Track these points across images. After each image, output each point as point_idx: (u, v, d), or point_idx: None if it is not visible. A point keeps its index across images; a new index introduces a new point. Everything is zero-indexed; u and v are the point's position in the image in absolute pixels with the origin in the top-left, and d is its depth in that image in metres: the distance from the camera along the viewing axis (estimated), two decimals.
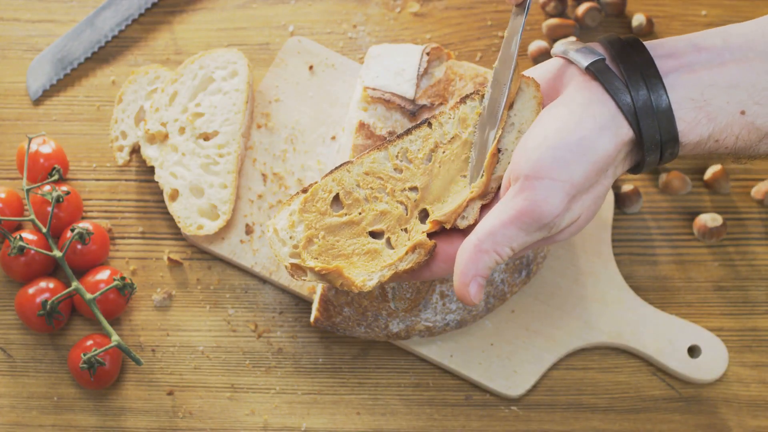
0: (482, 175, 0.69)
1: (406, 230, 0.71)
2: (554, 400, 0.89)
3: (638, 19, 0.99)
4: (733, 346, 0.91)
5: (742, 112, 0.65)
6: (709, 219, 0.93)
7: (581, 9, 0.99)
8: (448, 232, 0.70)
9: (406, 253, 0.69)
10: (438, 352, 0.89)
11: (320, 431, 0.88)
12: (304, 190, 0.72)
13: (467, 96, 0.72)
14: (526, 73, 0.71)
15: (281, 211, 0.72)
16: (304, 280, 0.71)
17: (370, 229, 0.71)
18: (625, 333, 0.89)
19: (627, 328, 0.89)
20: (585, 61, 0.66)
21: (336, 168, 0.72)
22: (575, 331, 0.89)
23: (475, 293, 0.65)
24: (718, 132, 0.65)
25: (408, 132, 0.72)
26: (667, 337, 0.89)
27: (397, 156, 0.72)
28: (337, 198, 0.72)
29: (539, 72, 0.71)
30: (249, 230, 0.92)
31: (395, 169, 0.72)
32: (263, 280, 0.92)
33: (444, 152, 0.72)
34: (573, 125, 0.64)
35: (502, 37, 1.00)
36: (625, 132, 0.65)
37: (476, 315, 0.87)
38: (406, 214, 0.71)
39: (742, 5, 1.01)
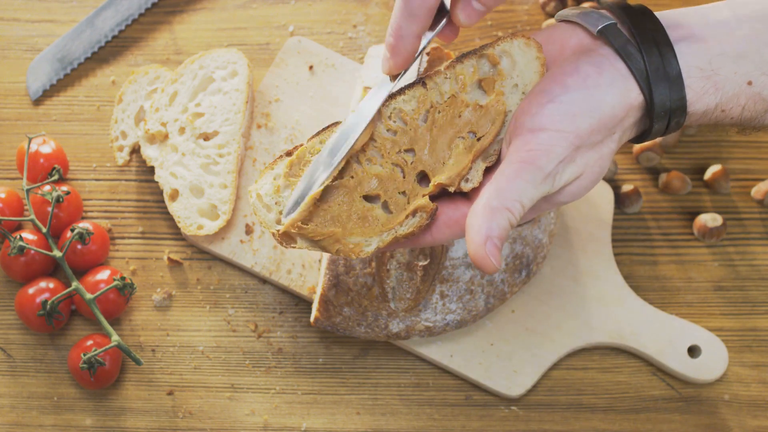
0: (478, 138, 0.67)
1: (404, 194, 0.68)
2: (554, 400, 0.89)
3: None
4: (733, 346, 0.91)
5: (749, 83, 0.65)
6: (709, 219, 0.93)
7: None
8: (451, 195, 0.68)
9: (407, 217, 0.66)
10: (438, 352, 0.89)
11: (320, 431, 0.88)
12: (288, 153, 0.68)
13: (464, 55, 0.69)
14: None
15: (264, 175, 0.68)
16: (294, 247, 0.67)
17: (364, 193, 0.68)
18: (625, 333, 0.89)
19: (627, 328, 0.89)
20: (596, 25, 0.66)
21: (323, 129, 0.69)
22: (575, 331, 0.89)
23: (494, 256, 0.62)
24: (725, 102, 0.65)
25: (401, 92, 0.69)
26: (667, 337, 0.89)
27: (390, 117, 0.69)
28: None
29: (544, 35, 0.70)
30: (249, 230, 0.92)
31: (388, 130, 0.68)
32: (263, 280, 0.92)
33: (440, 112, 0.69)
34: (580, 82, 0.64)
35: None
36: (635, 96, 0.65)
37: (476, 315, 0.87)
38: (404, 177, 0.68)
39: None
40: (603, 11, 0.68)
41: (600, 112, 0.64)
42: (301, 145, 0.68)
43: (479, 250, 0.62)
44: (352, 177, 0.68)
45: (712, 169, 0.95)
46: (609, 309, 0.90)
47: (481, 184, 0.68)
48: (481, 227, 0.62)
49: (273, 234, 0.67)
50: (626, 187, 0.94)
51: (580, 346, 0.89)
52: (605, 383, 0.90)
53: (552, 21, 0.99)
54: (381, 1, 1.01)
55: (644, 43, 0.65)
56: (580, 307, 0.90)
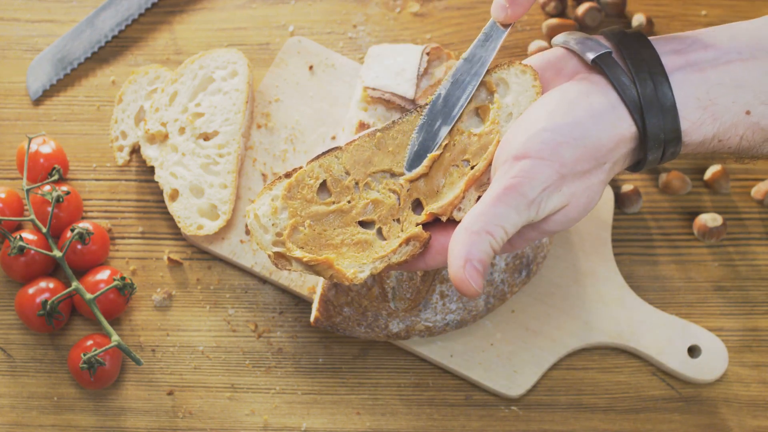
0: (468, 165, 0.67)
1: (398, 221, 0.68)
2: (554, 400, 0.89)
3: (638, 19, 0.99)
4: (733, 346, 0.91)
5: (748, 113, 0.64)
6: (709, 219, 0.93)
7: (581, 9, 0.99)
8: (444, 223, 0.68)
9: (400, 245, 0.67)
10: (438, 352, 0.89)
11: (320, 431, 0.88)
12: (287, 175, 0.69)
13: None
14: (526, 61, 0.69)
15: (262, 195, 0.69)
16: (288, 269, 0.68)
17: (360, 218, 0.69)
18: (625, 333, 0.89)
19: (627, 328, 0.89)
20: (591, 54, 0.65)
21: (323, 153, 0.69)
22: (575, 331, 0.89)
23: (474, 279, 0.62)
24: (723, 132, 0.64)
25: (399, 121, 0.70)
26: (667, 337, 0.89)
27: (389, 144, 0.69)
28: (324, 185, 0.69)
29: (538, 60, 0.69)
30: (249, 230, 0.92)
31: (388, 155, 0.69)
32: (263, 280, 0.92)
33: (438, 142, 0.69)
34: (567, 109, 0.63)
35: None
36: (626, 127, 0.64)
37: (476, 315, 0.87)
38: (399, 204, 0.68)
39: (742, 5, 1.01)
40: (599, 38, 0.67)
41: (586, 141, 0.63)
42: (300, 168, 0.69)
43: (459, 272, 0.62)
44: (349, 201, 0.69)
45: (712, 169, 0.95)
46: (609, 309, 0.90)
47: None
48: (461, 250, 0.62)
49: (269, 256, 0.68)
50: (626, 187, 0.94)
51: (580, 346, 0.89)
52: (605, 383, 0.90)
53: (552, 21, 0.99)
54: (381, 1, 1.01)
55: (638, 73, 0.64)
56: (580, 307, 0.90)
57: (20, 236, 0.88)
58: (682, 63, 0.65)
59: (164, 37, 1.00)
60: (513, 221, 0.63)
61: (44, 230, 0.88)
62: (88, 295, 0.86)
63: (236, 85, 0.93)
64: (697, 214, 0.94)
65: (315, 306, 0.87)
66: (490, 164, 0.68)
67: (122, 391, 0.89)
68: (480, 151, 0.68)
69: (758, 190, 0.94)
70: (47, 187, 0.91)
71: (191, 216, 0.90)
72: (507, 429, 0.88)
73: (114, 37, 1.00)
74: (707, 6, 1.01)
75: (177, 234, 0.94)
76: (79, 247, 0.89)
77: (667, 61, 0.65)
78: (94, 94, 0.99)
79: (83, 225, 0.89)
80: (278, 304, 0.92)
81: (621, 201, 0.94)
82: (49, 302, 0.86)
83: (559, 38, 0.70)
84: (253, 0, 1.02)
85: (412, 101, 0.84)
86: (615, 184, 0.95)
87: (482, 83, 0.69)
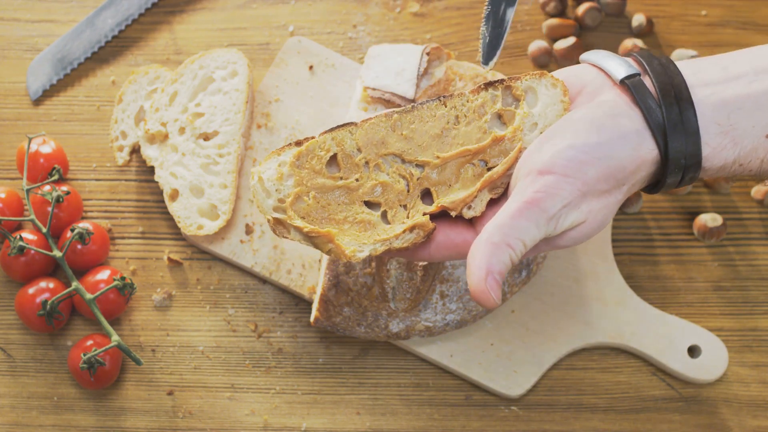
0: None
1: (405, 207, 0.68)
2: (554, 400, 0.89)
3: (638, 19, 0.99)
4: (733, 346, 0.91)
5: (767, 136, 0.65)
6: (709, 219, 0.93)
7: (581, 9, 0.99)
8: (450, 219, 0.68)
9: (404, 232, 0.67)
10: (438, 352, 0.89)
11: (320, 431, 0.88)
12: (298, 143, 0.68)
13: (490, 83, 0.69)
14: (555, 74, 0.69)
15: (269, 159, 0.68)
16: (285, 237, 0.67)
17: (366, 198, 0.68)
18: (625, 333, 0.89)
19: (627, 328, 0.89)
20: (620, 74, 0.66)
21: (337, 127, 0.68)
22: (575, 331, 0.89)
23: (494, 291, 0.63)
24: (743, 156, 0.65)
25: (420, 106, 0.69)
26: (667, 337, 0.89)
27: (403, 127, 0.69)
28: (334, 159, 0.68)
29: (564, 74, 0.69)
30: (249, 230, 0.92)
31: (404, 138, 0.68)
32: (263, 280, 0.92)
33: (456, 136, 0.69)
34: (594, 129, 0.64)
35: None
36: (649, 150, 0.64)
37: (476, 315, 0.87)
38: (408, 191, 0.68)
39: (742, 5, 1.01)
40: (629, 59, 0.68)
41: (610, 162, 0.63)
42: (312, 138, 0.68)
43: (480, 284, 0.63)
44: (357, 180, 0.68)
45: None
46: (609, 309, 0.90)
47: (484, 215, 0.68)
48: (482, 262, 0.63)
49: (268, 220, 0.67)
50: None
51: (580, 346, 0.89)
52: (605, 383, 0.90)
53: (552, 21, 0.99)
54: (381, 1, 1.01)
55: (665, 97, 0.64)
56: (580, 307, 0.90)
57: (20, 236, 0.88)
58: (703, 88, 0.65)
59: (164, 37, 1.00)
60: (532, 235, 0.63)
61: (44, 230, 0.88)
62: (88, 295, 0.86)
63: (236, 85, 0.93)
64: (697, 214, 0.94)
65: (315, 306, 0.87)
66: (508, 169, 0.68)
67: (122, 391, 0.89)
68: (499, 154, 0.68)
69: (758, 190, 0.94)
70: (47, 187, 0.91)
71: (191, 216, 0.90)
72: (507, 429, 0.88)
73: (114, 37, 1.00)
74: (707, 6, 1.01)
75: (177, 234, 0.94)
76: (79, 247, 0.89)
77: (691, 86, 0.65)
78: (94, 94, 0.99)
79: (83, 225, 0.89)
80: (278, 304, 0.92)
81: None
82: (49, 302, 0.86)
83: (588, 55, 0.70)
84: (253, 0, 1.02)
85: (412, 101, 0.84)
86: None
87: (508, 88, 0.69)
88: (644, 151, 0.64)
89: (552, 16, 1.01)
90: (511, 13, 0.68)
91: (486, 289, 0.63)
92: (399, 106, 0.84)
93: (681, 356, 0.89)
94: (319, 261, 0.90)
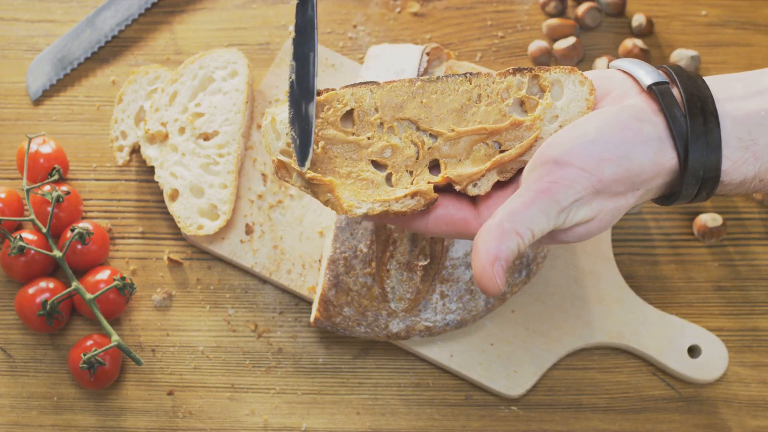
0: (498, 149, 0.67)
1: (411, 173, 0.68)
2: (554, 400, 0.89)
3: (638, 19, 0.99)
4: (733, 346, 0.91)
5: None
6: (709, 219, 0.93)
7: (581, 9, 0.99)
8: (453, 195, 0.68)
9: (405, 196, 0.67)
10: (438, 352, 0.89)
11: (320, 431, 0.88)
12: (318, 93, 0.68)
13: (519, 69, 0.69)
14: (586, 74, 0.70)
15: (286, 103, 0.68)
16: (287, 181, 0.68)
17: (374, 158, 0.68)
18: (625, 333, 0.89)
19: (627, 328, 0.89)
20: (648, 80, 0.66)
21: (359, 83, 0.69)
22: (575, 331, 0.89)
23: (500, 277, 0.62)
24: (764, 171, 0.65)
25: (445, 78, 0.69)
26: (667, 337, 0.89)
27: (424, 95, 0.69)
28: (349, 114, 0.69)
29: (595, 76, 0.70)
30: (249, 230, 0.92)
31: (423, 105, 0.69)
32: (263, 280, 0.92)
33: (475, 114, 0.69)
34: (617, 129, 0.64)
35: (503, 37, 1.01)
36: (669, 158, 0.64)
37: (476, 315, 0.87)
38: (417, 158, 0.68)
39: (742, 5, 1.01)
40: (658, 70, 0.68)
41: (629, 164, 0.64)
42: (333, 90, 0.68)
43: (487, 268, 0.62)
44: (369, 138, 0.68)
45: None
46: (609, 309, 0.90)
47: (488, 196, 0.68)
48: (491, 246, 0.62)
49: (272, 161, 0.68)
50: None
51: (580, 346, 0.89)
52: (605, 383, 0.90)
53: (552, 21, 0.99)
54: (381, 1, 1.01)
55: (691, 107, 0.64)
56: (580, 307, 0.90)
57: (20, 236, 0.88)
58: (726, 102, 0.65)
59: (164, 37, 1.00)
60: (542, 226, 0.63)
61: (44, 230, 0.88)
62: (88, 295, 0.86)
63: (236, 85, 0.93)
64: (697, 214, 0.94)
65: (315, 306, 0.87)
66: (520, 154, 0.68)
67: (122, 391, 0.89)
68: (515, 138, 0.68)
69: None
70: (47, 187, 0.91)
71: (191, 216, 0.90)
72: (507, 429, 0.88)
73: (114, 37, 1.00)
74: (707, 6, 1.01)
75: (177, 234, 0.94)
76: (79, 247, 0.89)
77: (717, 101, 0.65)
78: (94, 94, 0.99)
79: (83, 225, 0.89)
80: (278, 304, 0.92)
81: None
82: (49, 302, 0.86)
83: (618, 62, 0.70)
84: (253, 0, 1.02)
85: None
86: None
87: (536, 77, 0.69)
88: (664, 158, 0.64)
89: (552, 16, 1.01)
90: (313, 108, 0.67)
91: (492, 275, 0.62)
92: None
93: (681, 356, 0.89)
94: (319, 261, 0.90)
